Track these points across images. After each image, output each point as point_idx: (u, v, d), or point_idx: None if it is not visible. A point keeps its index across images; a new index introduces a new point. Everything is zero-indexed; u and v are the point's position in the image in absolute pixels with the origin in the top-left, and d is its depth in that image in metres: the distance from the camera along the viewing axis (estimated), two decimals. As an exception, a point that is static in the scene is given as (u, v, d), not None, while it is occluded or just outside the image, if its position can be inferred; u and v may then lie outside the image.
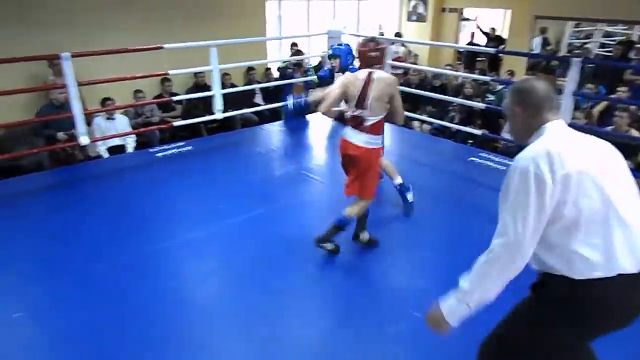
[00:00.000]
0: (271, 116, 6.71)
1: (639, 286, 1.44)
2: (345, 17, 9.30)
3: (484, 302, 1.49)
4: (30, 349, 2.30)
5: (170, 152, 4.87)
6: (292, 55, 7.29)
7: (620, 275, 1.40)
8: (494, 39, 9.25)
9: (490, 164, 4.66)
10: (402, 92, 5.31)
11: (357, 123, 2.81)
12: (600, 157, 1.48)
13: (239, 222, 3.45)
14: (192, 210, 3.66)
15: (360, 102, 2.77)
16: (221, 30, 6.27)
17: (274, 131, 5.92)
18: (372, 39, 2.97)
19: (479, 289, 1.48)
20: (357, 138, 2.81)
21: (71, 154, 4.87)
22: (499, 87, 6.56)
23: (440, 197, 3.98)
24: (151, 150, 4.97)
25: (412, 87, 6.39)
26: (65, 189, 4.04)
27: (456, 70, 8.08)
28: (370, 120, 2.79)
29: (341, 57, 3.90)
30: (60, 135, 4.64)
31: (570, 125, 4.19)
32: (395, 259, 3.08)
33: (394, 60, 8.26)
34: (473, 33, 9.42)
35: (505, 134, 5.66)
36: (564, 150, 1.42)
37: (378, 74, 2.80)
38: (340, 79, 2.91)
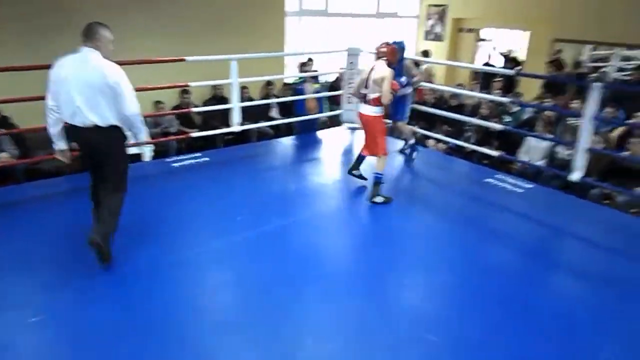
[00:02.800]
0: (287, 130, 6.76)
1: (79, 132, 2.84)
2: (363, 35, 9.37)
3: None
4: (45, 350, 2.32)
5: (187, 162, 4.93)
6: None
7: (73, 125, 2.83)
8: (510, 60, 9.24)
9: (507, 186, 4.64)
10: (417, 110, 5.38)
11: (364, 98, 3.97)
12: (78, 71, 2.71)
13: (255, 235, 3.47)
14: (208, 221, 3.69)
15: (366, 83, 3.96)
16: (241, 45, 6.36)
17: (289, 145, 5.96)
18: (387, 42, 4.06)
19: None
20: (364, 109, 4.02)
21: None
22: (516, 108, 6.55)
23: (456, 218, 3.96)
24: (167, 160, 5.02)
25: (427, 106, 6.40)
26: (81, 196, 4.07)
27: (471, 90, 8.08)
28: (371, 96, 3.90)
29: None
30: (74, 145, 4.71)
31: (590, 149, 4.12)
32: (411, 279, 3.07)
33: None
34: (490, 54, 9.43)
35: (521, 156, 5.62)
36: (62, 64, 2.75)
37: (378, 65, 3.92)
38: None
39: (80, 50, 2.76)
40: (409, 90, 4.97)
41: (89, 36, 2.76)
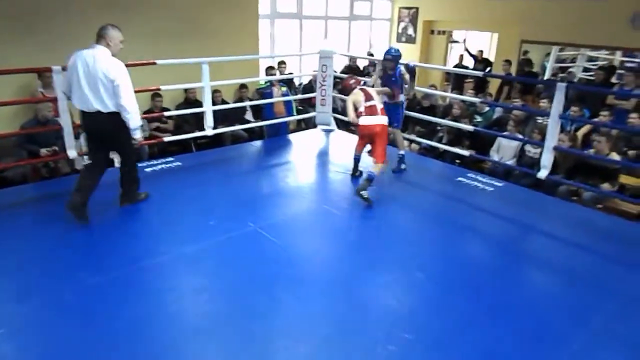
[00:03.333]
0: (260, 133, 6.73)
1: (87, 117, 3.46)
2: (336, 37, 9.42)
3: None
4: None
5: (159, 167, 4.86)
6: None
7: (82, 110, 3.44)
8: (481, 62, 9.43)
9: (478, 184, 4.73)
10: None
11: (374, 110, 4.23)
12: (87, 64, 3.29)
13: (229, 239, 3.44)
14: (181, 226, 3.63)
15: (369, 99, 4.28)
16: (214, 48, 6.31)
17: (263, 148, 5.94)
18: (350, 76, 4.77)
19: None
20: (380, 119, 4.23)
21: (54, 168, 4.84)
22: (487, 108, 6.68)
23: (430, 217, 4.01)
24: (140, 165, 4.92)
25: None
26: (50, 203, 3.98)
27: (444, 91, 8.20)
28: (381, 106, 4.30)
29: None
30: (43, 151, 4.62)
31: (556, 147, 4.25)
32: (385, 279, 3.09)
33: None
34: (461, 55, 9.60)
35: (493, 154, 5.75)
36: (76, 57, 3.34)
37: (365, 89, 4.39)
38: (348, 99, 4.45)
39: (93, 46, 3.33)
40: (404, 97, 4.95)
41: (100, 35, 3.36)
